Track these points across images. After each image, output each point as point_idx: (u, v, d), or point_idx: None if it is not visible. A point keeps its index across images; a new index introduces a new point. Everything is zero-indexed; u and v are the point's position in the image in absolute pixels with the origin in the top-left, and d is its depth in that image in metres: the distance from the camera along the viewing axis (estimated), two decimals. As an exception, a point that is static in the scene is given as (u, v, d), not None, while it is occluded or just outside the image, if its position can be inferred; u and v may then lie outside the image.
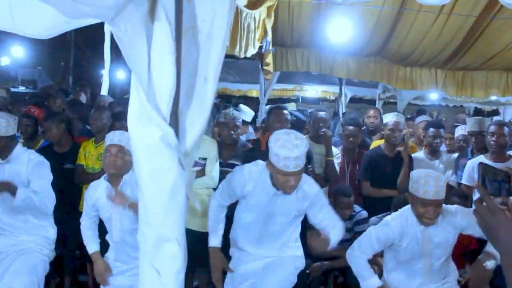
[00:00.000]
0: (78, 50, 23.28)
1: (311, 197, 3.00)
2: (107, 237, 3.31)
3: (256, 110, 8.45)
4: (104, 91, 2.06)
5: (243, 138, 4.95)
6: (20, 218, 3.46)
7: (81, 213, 4.20)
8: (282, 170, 2.75)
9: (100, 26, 2.11)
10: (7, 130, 3.38)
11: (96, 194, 3.23)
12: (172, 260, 1.84)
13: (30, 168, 3.41)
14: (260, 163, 3.04)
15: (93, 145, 4.30)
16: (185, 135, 1.80)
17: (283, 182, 2.83)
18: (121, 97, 7.98)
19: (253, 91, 12.27)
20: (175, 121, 1.78)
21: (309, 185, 3.04)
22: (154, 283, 1.84)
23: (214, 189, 3.98)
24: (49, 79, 7.92)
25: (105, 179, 3.20)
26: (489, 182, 1.37)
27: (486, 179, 1.38)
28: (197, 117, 1.84)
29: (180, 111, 1.80)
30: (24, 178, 3.39)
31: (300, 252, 3.24)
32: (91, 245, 3.32)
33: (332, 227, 2.96)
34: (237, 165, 4.07)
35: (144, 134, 1.74)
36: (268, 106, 8.07)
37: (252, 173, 3.01)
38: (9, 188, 3.23)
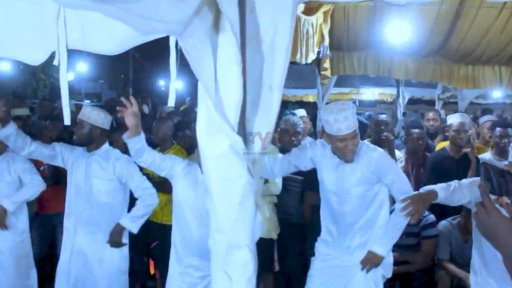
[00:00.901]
0: (137, 62, 24.05)
1: (376, 159, 3.08)
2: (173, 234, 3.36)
3: (313, 115, 8.41)
4: (171, 102, 2.12)
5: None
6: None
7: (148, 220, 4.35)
8: (337, 135, 2.95)
9: (157, 39, 2.20)
10: (103, 123, 3.65)
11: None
12: (243, 266, 1.88)
13: (121, 166, 3.61)
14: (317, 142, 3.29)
15: (158, 155, 4.41)
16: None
17: (342, 148, 3.00)
18: (179, 106, 8.16)
19: (310, 96, 12.23)
20: (242, 130, 1.81)
21: (370, 149, 3.15)
22: (227, 289, 1.88)
23: (277, 196, 4.00)
24: (111, 92, 8.21)
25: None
26: (496, 181, 1.34)
27: (493, 179, 1.34)
28: (264, 125, 1.86)
29: (247, 120, 1.84)
30: (110, 175, 3.61)
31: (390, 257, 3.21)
32: None
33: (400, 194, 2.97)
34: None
35: (213, 143, 1.78)
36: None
37: (321, 146, 3.21)
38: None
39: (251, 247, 1.86)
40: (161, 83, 30.70)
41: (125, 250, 3.71)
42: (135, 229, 3.55)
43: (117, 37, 2.34)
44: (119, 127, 4.64)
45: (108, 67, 23.80)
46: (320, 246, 3.31)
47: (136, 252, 4.60)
